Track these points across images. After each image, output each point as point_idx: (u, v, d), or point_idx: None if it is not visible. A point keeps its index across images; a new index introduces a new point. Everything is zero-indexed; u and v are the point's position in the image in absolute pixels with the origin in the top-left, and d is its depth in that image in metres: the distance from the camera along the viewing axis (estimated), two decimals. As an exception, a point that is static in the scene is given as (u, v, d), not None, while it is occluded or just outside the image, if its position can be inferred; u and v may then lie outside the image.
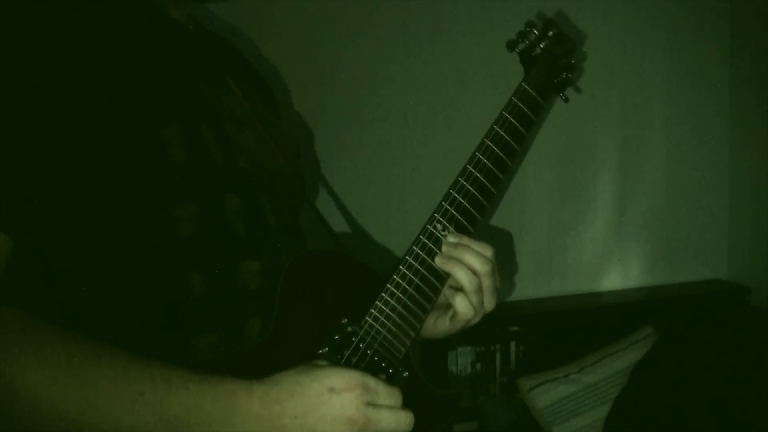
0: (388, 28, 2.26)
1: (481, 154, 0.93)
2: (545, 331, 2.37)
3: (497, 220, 2.42)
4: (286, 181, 0.93)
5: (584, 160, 2.56)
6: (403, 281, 0.87)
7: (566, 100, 1.08)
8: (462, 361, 2.30)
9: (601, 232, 2.60)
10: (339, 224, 2.07)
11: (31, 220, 0.68)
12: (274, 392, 0.71)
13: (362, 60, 2.23)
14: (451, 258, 0.89)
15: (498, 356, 2.33)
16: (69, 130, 0.69)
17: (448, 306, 0.93)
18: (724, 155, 2.73)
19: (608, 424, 2.10)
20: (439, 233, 0.90)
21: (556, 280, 2.56)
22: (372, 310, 0.85)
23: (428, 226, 0.90)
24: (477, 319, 0.92)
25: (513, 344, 2.35)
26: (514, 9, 2.28)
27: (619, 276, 2.64)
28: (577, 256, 2.58)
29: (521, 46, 1.02)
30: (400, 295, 0.86)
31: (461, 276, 0.88)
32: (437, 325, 0.94)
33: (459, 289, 0.90)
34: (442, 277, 0.89)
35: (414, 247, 0.89)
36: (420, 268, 0.88)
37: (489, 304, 0.92)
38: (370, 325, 0.84)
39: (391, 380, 0.82)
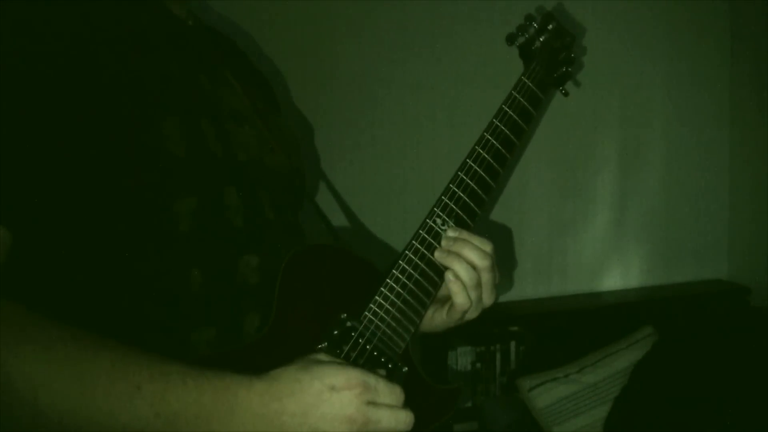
0: (388, 28, 2.26)
1: (481, 148, 0.93)
2: (545, 331, 2.36)
3: (497, 219, 2.42)
4: (285, 177, 0.93)
5: (584, 160, 2.56)
6: (403, 276, 0.86)
7: (566, 94, 1.08)
8: (462, 361, 2.30)
9: (601, 232, 2.60)
10: (339, 220, 2.07)
11: (29, 214, 0.68)
12: (274, 389, 0.70)
13: (362, 60, 2.23)
14: (450, 252, 0.88)
15: (498, 356, 2.33)
16: (68, 123, 0.69)
17: (446, 299, 0.92)
18: (724, 155, 2.73)
19: (608, 424, 2.10)
20: (439, 228, 0.89)
21: (556, 280, 2.56)
22: (371, 305, 0.85)
23: (428, 220, 0.90)
24: (475, 314, 0.92)
25: (513, 344, 2.35)
26: (515, 9, 2.28)
27: (619, 276, 2.64)
28: (577, 256, 2.58)
29: (521, 39, 1.02)
30: (400, 290, 0.86)
31: (460, 270, 0.88)
32: (434, 319, 0.94)
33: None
34: (442, 271, 0.89)
35: (413, 242, 0.89)
36: (419, 262, 0.88)
37: (488, 299, 0.92)
38: (370, 320, 0.84)
39: (390, 375, 0.82)
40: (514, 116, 0.95)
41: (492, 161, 0.93)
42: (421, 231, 0.89)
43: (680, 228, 2.70)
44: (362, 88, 2.23)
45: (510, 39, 1.03)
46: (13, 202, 0.67)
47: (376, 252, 2.08)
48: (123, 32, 0.78)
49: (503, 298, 2.45)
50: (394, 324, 0.85)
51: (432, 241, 0.89)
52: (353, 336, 0.82)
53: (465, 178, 0.91)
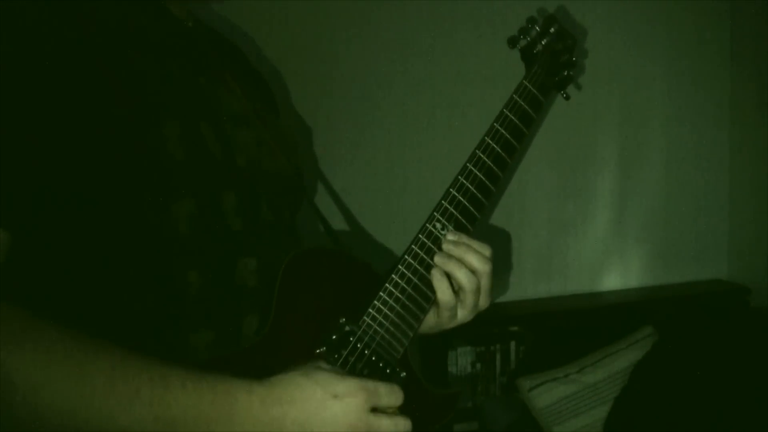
0: (388, 28, 2.26)
1: (482, 153, 0.93)
2: (545, 331, 2.36)
3: (497, 220, 2.42)
4: (284, 179, 0.93)
5: (584, 160, 2.56)
6: (402, 280, 0.86)
7: (567, 98, 1.08)
8: (462, 361, 2.30)
9: (601, 232, 2.60)
10: (338, 223, 2.07)
11: (28, 216, 0.68)
12: (275, 394, 0.70)
13: (362, 60, 2.23)
14: (450, 257, 0.89)
15: (498, 356, 2.33)
16: (67, 125, 0.69)
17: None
18: (724, 155, 2.73)
19: (608, 424, 2.10)
20: (439, 232, 0.89)
21: (556, 280, 2.56)
22: (370, 310, 0.85)
23: (427, 224, 0.90)
24: (470, 318, 0.92)
25: (513, 344, 2.35)
26: (515, 9, 2.28)
27: (619, 276, 2.63)
28: (577, 256, 2.57)
29: (522, 42, 1.02)
30: (399, 295, 0.86)
31: (461, 276, 0.88)
32: (427, 320, 0.94)
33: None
34: None
35: (413, 246, 0.88)
36: (419, 267, 0.88)
37: (484, 303, 0.92)
38: (368, 325, 0.84)
39: (388, 380, 0.82)
40: (515, 120, 0.95)
41: (492, 165, 0.93)
42: (420, 235, 0.89)
43: (680, 228, 2.70)
44: (362, 88, 2.23)
45: (512, 42, 1.02)
46: (12, 204, 0.67)
47: (376, 254, 2.08)
48: (122, 33, 0.78)
49: (503, 298, 2.45)
50: (392, 329, 0.85)
51: (432, 245, 0.89)
52: (352, 340, 0.82)
53: (465, 182, 0.91)
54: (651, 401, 2.06)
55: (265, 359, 0.76)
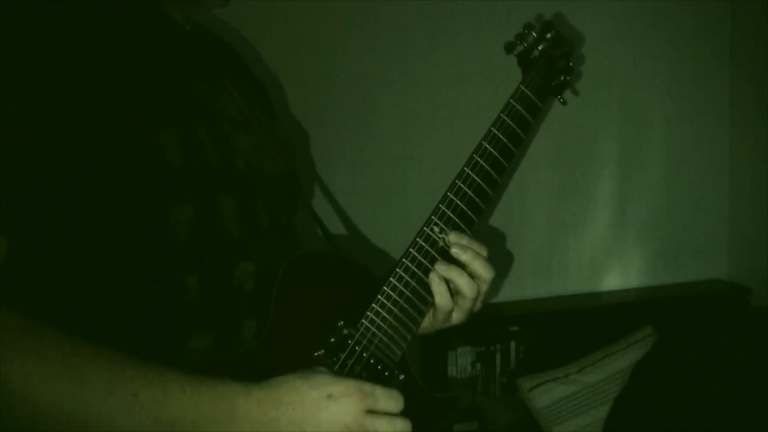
0: (388, 28, 2.26)
1: (479, 157, 0.93)
2: (545, 331, 2.37)
3: (497, 220, 2.42)
4: (282, 183, 0.93)
5: (584, 160, 2.56)
6: (400, 284, 0.87)
7: (564, 103, 1.08)
8: (462, 361, 2.30)
9: (601, 232, 2.60)
10: (336, 226, 2.07)
11: (26, 221, 0.68)
12: (272, 397, 0.70)
13: (362, 60, 2.23)
14: (452, 264, 0.89)
15: (498, 356, 2.34)
16: (65, 130, 0.69)
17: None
18: (724, 155, 2.73)
19: (608, 424, 2.10)
20: (436, 236, 0.89)
21: (556, 280, 2.56)
22: (368, 313, 0.85)
23: (425, 228, 0.90)
24: (464, 320, 0.93)
25: (513, 344, 2.35)
26: (515, 9, 2.28)
27: (619, 276, 2.63)
28: (577, 256, 2.58)
29: (519, 48, 1.02)
30: (397, 298, 0.86)
31: (462, 282, 0.89)
32: (425, 322, 0.94)
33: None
34: None
35: (411, 250, 0.88)
36: (416, 270, 0.88)
37: (479, 307, 0.93)
38: (366, 328, 0.84)
39: (387, 383, 0.82)
40: (513, 125, 0.95)
41: (490, 169, 0.93)
42: (418, 239, 0.89)
43: (680, 228, 2.70)
44: (362, 89, 2.23)
45: (508, 48, 1.02)
46: (10, 209, 0.67)
47: (376, 258, 2.08)
48: (120, 38, 0.78)
49: (503, 298, 2.45)
50: (390, 332, 0.85)
51: (429, 249, 0.89)
52: (350, 344, 0.83)
53: (462, 186, 0.91)
54: (651, 401, 2.06)
55: (264, 363, 0.76)
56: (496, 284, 2.36)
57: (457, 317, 0.92)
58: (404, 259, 0.88)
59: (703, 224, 2.72)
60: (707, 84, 2.67)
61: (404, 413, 0.77)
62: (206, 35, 0.98)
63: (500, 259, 2.39)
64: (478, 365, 2.32)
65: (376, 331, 0.84)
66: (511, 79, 1.01)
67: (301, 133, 2.04)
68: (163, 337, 0.76)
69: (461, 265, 0.89)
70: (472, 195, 0.91)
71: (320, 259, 0.88)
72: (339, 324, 0.83)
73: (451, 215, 0.90)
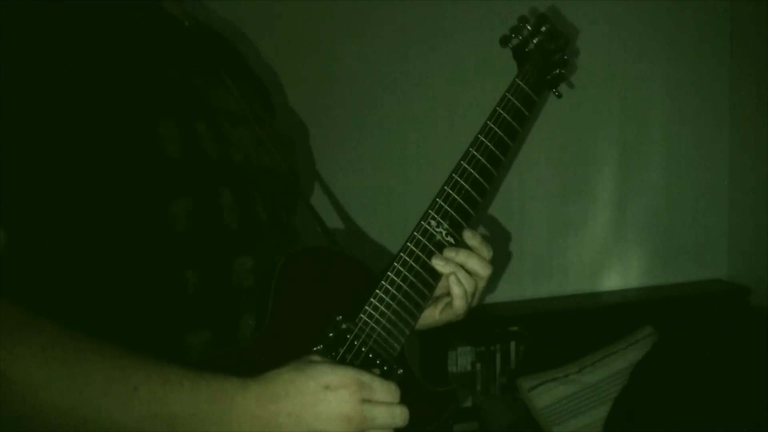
0: (388, 28, 2.26)
1: (475, 150, 0.93)
2: (545, 331, 2.37)
3: (497, 220, 2.43)
4: (280, 178, 0.93)
5: (584, 160, 2.56)
6: (398, 278, 0.87)
7: (559, 96, 1.08)
8: (462, 361, 2.30)
9: (601, 232, 2.60)
10: (338, 223, 2.07)
11: (25, 214, 0.68)
12: (269, 390, 0.70)
13: (362, 60, 2.23)
14: (448, 262, 0.89)
15: (498, 356, 2.34)
16: (63, 124, 0.69)
17: (438, 298, 0.93)
18: (724, 155, 2.73)
19: (608, 424, 2.10)
20: (434, 230, 0.90)
21: (556, 280, 2.56)
22: (367, 308, 0.85)
23: (422, 222, 0.90)
24: (462, 316, 0.93)
25: (513, 344, 2.36)
26: (515, 9, 2.27)
27: (619, 276, 2.64)
28: (577, 256, 2.58)
29: (514, 41, 1.02)
30: (395, 292, 0.86)
31: (462, 280, 0.89)
32: (424, 317, 0.95)
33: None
34: (436, 274, 0.89)
35: (408, 244, 0.89)
36: (414, 264, 0.88)
37: (477, 303, 0.94)
38: (365, 323, 0.84)
39: (385, 377, 0.82)
40: (508, 118, 0.95)
41: (486, 163, 0.93)
42: (415, 233, 0.89)
43: (680, 228, 2.70)
44: (362, 89, 2.24)
45: (503, 41, 1.02)
46: (9, 202, 0.67)
47: (376, 255, 2.08)
48: (118, 33, 0.78)
49: (504, 298, 2.45)
50: (389, 326, 0.85)
51: (426, 243, 0.89)
52: (348, 338, 0.83)
53: (459, 179, 0.91)
54: (651, 401, 2.06)
55: (263, 358, 0.76)
56: (496, 284, 2.38)
57: (455, 310, 0.93)
58: (402, 254, 0.88)
59: (703, 224, 2.72)
60: (707, 84, 2.68)
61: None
62: (205, 31, 0.98)
63: (500, 259, 2.39)
64: (478, 365, 2.32)
65: (374, 325, 0.84)
66: (511, 78, 1.01)
67: (302, 129, 2.04)
68: (161, 332, 0.76)
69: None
70: (469, 188, 0.92)
71: (318, 254, 0.88)
72: (337, 319, 0.83)
73: (448, 209, 0.90)
